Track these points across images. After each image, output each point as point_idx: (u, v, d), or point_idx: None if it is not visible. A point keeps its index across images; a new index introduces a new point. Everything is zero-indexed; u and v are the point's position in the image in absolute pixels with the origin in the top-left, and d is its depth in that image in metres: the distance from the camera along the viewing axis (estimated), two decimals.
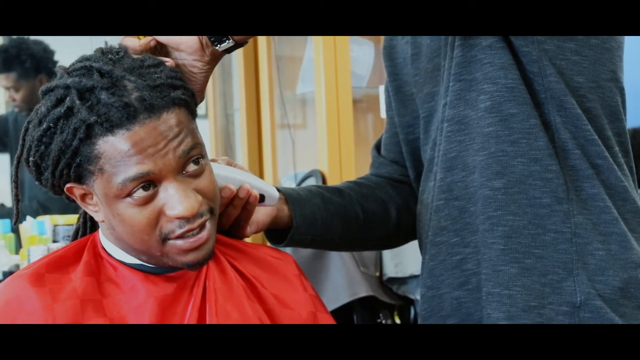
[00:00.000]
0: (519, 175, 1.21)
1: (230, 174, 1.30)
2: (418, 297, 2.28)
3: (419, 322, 1.41)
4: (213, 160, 1.29)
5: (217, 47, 1.20)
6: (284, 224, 1.39)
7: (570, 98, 1.23)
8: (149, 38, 1.20)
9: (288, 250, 2.17)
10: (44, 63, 3.32)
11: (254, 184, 1.30)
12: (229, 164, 1.33)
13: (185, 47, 1.20)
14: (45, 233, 2.55)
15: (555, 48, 1.23)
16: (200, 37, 1.19)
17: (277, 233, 1.43)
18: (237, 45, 1.21)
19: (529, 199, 1.21)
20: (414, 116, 1.46)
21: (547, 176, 1.21)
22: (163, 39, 1.20)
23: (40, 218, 2.63)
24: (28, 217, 2.74)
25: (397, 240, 1.55)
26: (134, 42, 1.19)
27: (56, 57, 3.29)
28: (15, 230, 2.72)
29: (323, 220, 1.41)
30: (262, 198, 1.32)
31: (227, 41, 1.19)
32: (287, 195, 1.39)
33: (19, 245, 2.70)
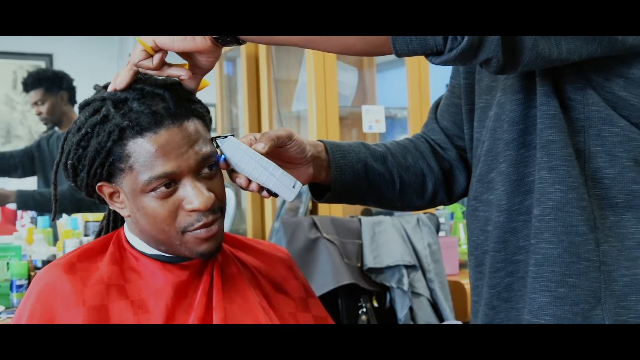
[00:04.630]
0: (556, 203, 1.03)
1: (252, 168, 1.16)
2: (393, 284, 2.28)
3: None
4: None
5: (222, 46, 1.11)
6: (323, 182, 1.28)
7: (609, 127, 1.05)
8: (160, 54, 1.11)
9: (283, 244, 2.19)
10: (65, 81, 3.39)
11: (269, 183, 1.16)
12: (251, 142, 1.18)
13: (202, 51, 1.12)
14: (77, 228, 2.56)
15: (602, 80, 1.05)
16: (211, 40, 1.08)
17: (314, 186, 1.31)
18: (238, 43, 1.10)
19: (565, 227, 1.03)
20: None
21: (582, 204, 1.03)
22: (179, 48, 1.10)
23: (74, 215, 2.63)
24: (64, 214, 2.74)
25: (426, 207, 1.39)
26: (148, 63, 1.11)
27: (84, 78, 3.36)
28: (52, 225, 2.72)
29: (360, 189, 1.28)
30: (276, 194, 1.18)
31: (232, 43, 1.10)
32: (332, 160, 1.26)
33: (56, 238, 2.70)
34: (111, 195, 1.19)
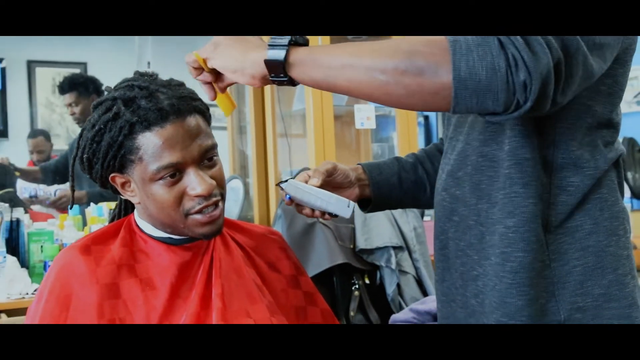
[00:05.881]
0: (530, 215, 1.02)
1: (313, 200, 1.21)
2: (382, 263, 2.29)
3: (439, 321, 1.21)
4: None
5: (275, 82, 1.02)
6: (368, 197, 1.33)
7: (573, 141, 1.04)
8: (213, 75, 1.09)
9: (279, 228, 2.20)
10: (96, 85, 3.44)
11: (328, 208, 1.21)
12: (306, 180, 1.23)
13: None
14: (103, 215, 2.58)
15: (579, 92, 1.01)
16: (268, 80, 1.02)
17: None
18: (292, 84, 1.02)
19: (537, 236, 1.02)
20: None
21: (545, 212, 1.03)
22: (237, 82, 1.05)
23: (100, 204, 2.66)
24: (91, 203, 2.77)
25: None
26: (202, 76, 1.09)
27: (112, 84, 3.38)
28: (82, 212, 2.76)
29: (397, 197, 1.35)
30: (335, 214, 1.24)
31: (284, 79, 1.01)
32: (370, 178, 1.32)
33: (84, 224, 2.73)
34: (123, 184, 1.20)
